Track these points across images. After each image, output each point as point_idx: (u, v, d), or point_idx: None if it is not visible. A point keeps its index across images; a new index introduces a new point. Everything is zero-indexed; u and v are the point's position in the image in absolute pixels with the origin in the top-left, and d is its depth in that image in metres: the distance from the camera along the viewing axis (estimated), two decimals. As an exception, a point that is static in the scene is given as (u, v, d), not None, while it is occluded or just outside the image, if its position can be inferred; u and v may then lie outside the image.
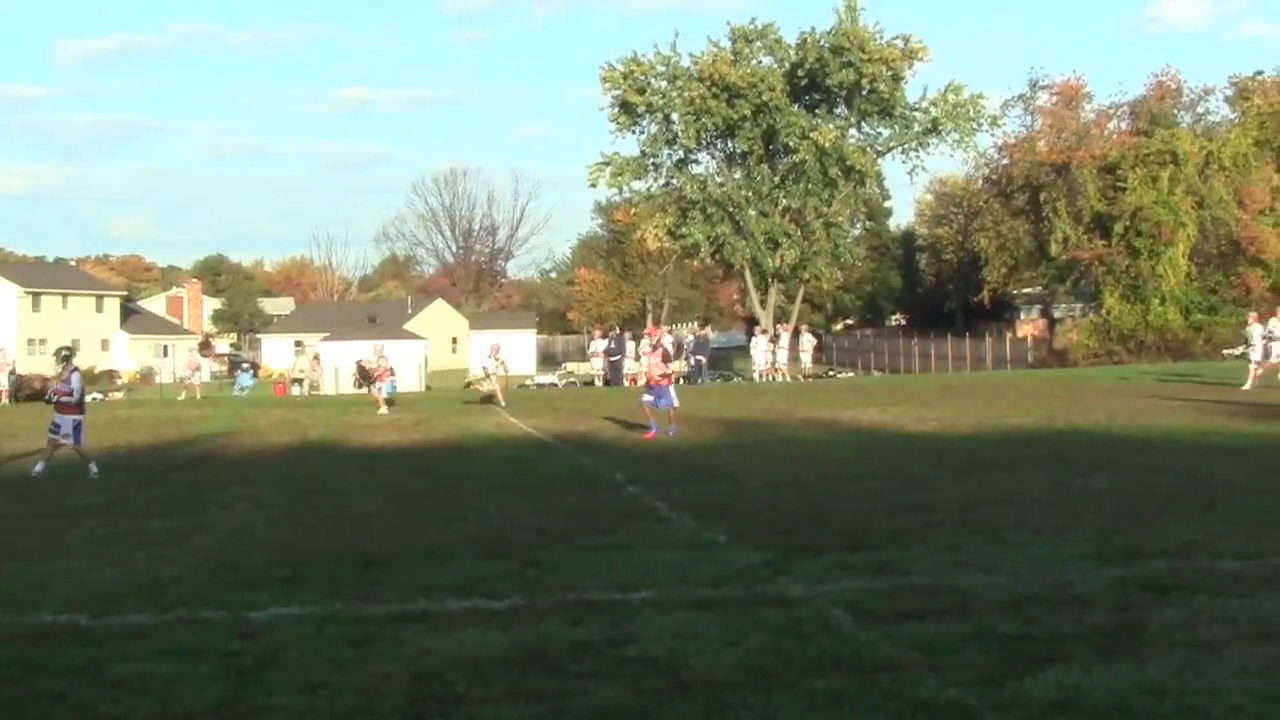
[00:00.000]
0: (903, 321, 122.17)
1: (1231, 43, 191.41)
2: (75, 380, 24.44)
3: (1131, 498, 16.67)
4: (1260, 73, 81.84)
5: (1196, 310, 74.06)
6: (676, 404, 29.06)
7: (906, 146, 79.39)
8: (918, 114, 78.54)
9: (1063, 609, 10.38)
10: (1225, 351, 45.99)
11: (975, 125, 78.41)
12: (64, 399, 24.19)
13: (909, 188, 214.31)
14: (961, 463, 21.85)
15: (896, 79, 76.72)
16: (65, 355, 25.64)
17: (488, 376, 41.91)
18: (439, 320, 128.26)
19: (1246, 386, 38.10)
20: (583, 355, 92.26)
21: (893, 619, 10.18)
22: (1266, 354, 39.55)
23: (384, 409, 39.39)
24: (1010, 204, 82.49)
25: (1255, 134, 77.23)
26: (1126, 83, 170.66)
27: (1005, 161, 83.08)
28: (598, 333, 66.80)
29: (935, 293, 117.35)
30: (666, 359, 30.71)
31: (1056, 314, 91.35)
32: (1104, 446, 24.01)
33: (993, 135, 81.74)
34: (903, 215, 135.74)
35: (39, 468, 23.46)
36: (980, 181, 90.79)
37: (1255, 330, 40.57)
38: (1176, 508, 15.66)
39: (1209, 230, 74.38)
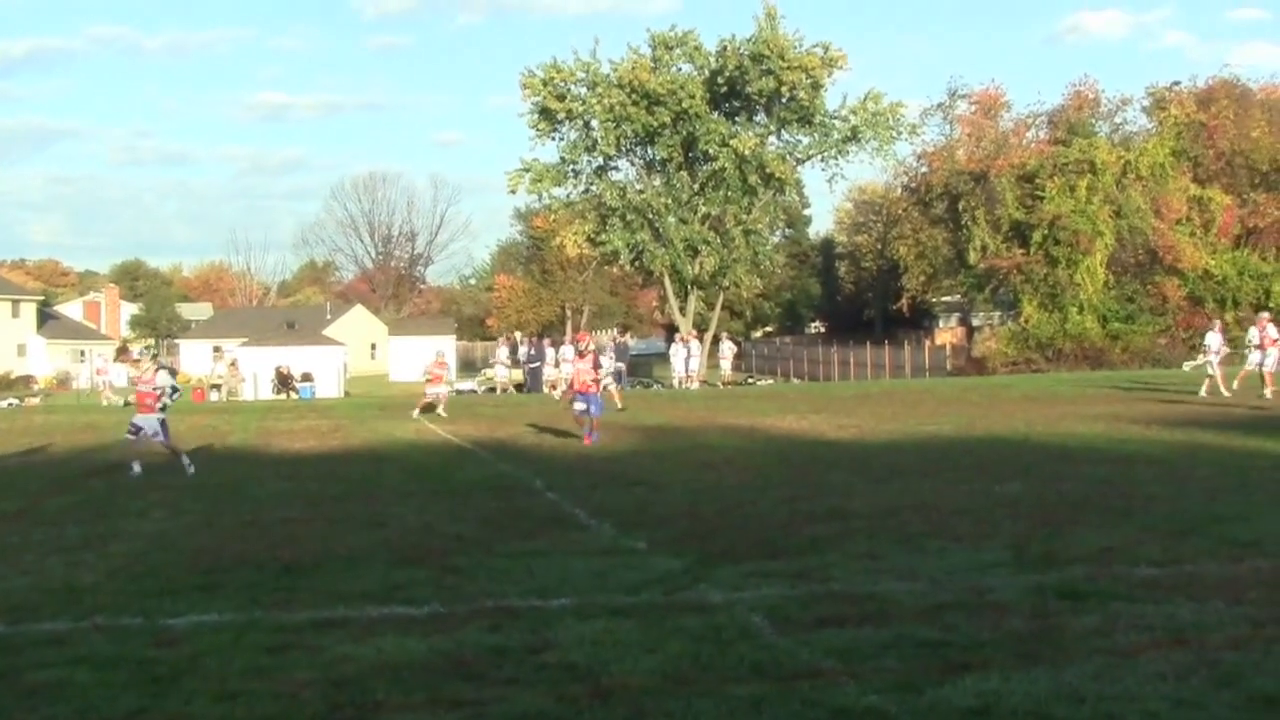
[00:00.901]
0: (822, 329, 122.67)
1: (1149, 54, 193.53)
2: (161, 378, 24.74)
3: (1049, 505, 16.75)
4: (1177, 83, 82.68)
5: (1114, 319, 74.63)
6: (597, 411, 29.03)
7: (826, 154, 79.71)
8: (837, 122, 78.85)
9: (981, 616, 10.41)
10: (1186, 364, 46.23)
11: (894, 133, 78.81)
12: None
13: (828, 196, 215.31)
14: (880, 470, 21.92)
15: (816, 87, 77.00)
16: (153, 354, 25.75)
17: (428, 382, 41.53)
18: (358, 326, 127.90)
19: (1203, 393, 38.40)
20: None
21: (811, 626, 10.18)
22: (1261, 361, 39.48)
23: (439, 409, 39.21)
24: (929, 212, 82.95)
25: (1172, 144, 77.92)
26: (1045, 92, 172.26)
27: (924, 170, 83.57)
28: (503, 341, 66.86)
29: (854, 300, 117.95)
30: (597, 365, 30.66)
31: (975, 322, 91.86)
32: (1022, 454, 24.14)
33: (912, 144, 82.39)
34: (822, 223, 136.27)
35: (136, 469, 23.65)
36: (899, 190, 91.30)
37: (1213, 339, 40.84)
38: (1093, 515, 15.75)
39: (1126, 239, 75.01)
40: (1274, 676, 8.45)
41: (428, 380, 39.97)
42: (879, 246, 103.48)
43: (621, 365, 59.46)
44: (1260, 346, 39.08)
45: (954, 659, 9.09)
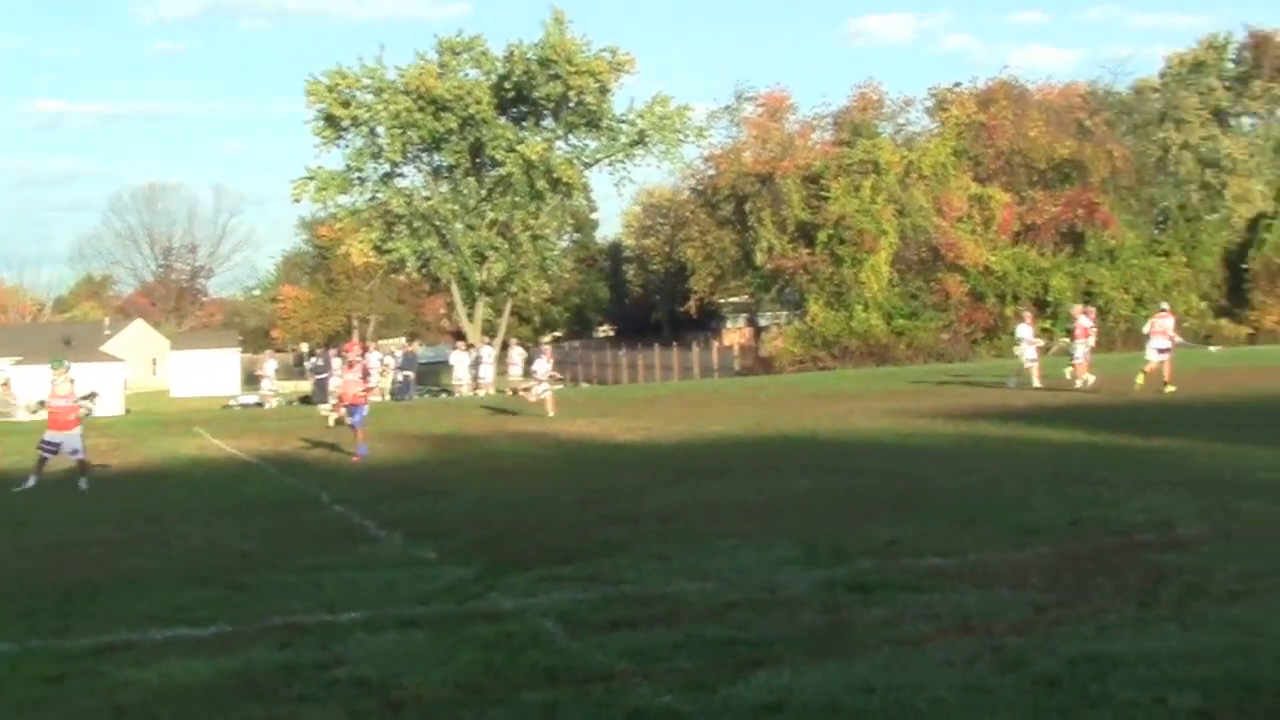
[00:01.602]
0: (611, 332, 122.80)
1: (933, 56, 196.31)
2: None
3: (837, 500, 16.94)
4: (958, 84, 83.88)
5: (898, 315, 75.55)
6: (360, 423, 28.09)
7: (613, 158, 79.89)
8: (625, 126, 79.04)
9: (772, 612, 10.48)
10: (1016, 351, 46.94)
11: (681, 137, 79.17)
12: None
13: (616, 199, 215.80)
14: (670, 471, 22.00)
15: (603, 91, 77.13)
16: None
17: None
18: (139, 341, 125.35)
19: (1037, 384, 39.05)
20: (290, 373, 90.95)
21: (604, 629, 10.17)
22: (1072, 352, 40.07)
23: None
24: (716, 214, 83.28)
25: (953, 144, 79.15)
26: (830, 95, 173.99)
27: (711, 172, 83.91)
28: (269, 355, 66.17)
29: (642, 303, 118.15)
30: (366, 375, 30.18)
31: (762, 322, 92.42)
32: (810, 451, 24.38)
33: (699, 146, 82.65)
34: (610, 227, 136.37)
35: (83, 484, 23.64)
36: (687, 192, 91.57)
37: (1024, 331, 41.61)
38: (881, 508, 15.95)
39: (910, 237, 75.99)
40: (1056, 659, 8.60)
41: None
42: (667, 249, 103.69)
43: (410, 373, 59.07)
44: (1073, 337, 39.94)
45: (746, 656, 9.13)
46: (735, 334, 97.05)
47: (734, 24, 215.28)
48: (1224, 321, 78.04)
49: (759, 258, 77.69)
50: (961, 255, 75.64)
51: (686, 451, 25.74)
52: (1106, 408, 31.57)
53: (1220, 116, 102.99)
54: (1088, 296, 73.90)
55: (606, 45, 77.72)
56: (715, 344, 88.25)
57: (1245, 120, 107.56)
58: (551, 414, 36.77)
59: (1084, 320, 39.74)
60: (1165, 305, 42.74)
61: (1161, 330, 37.32)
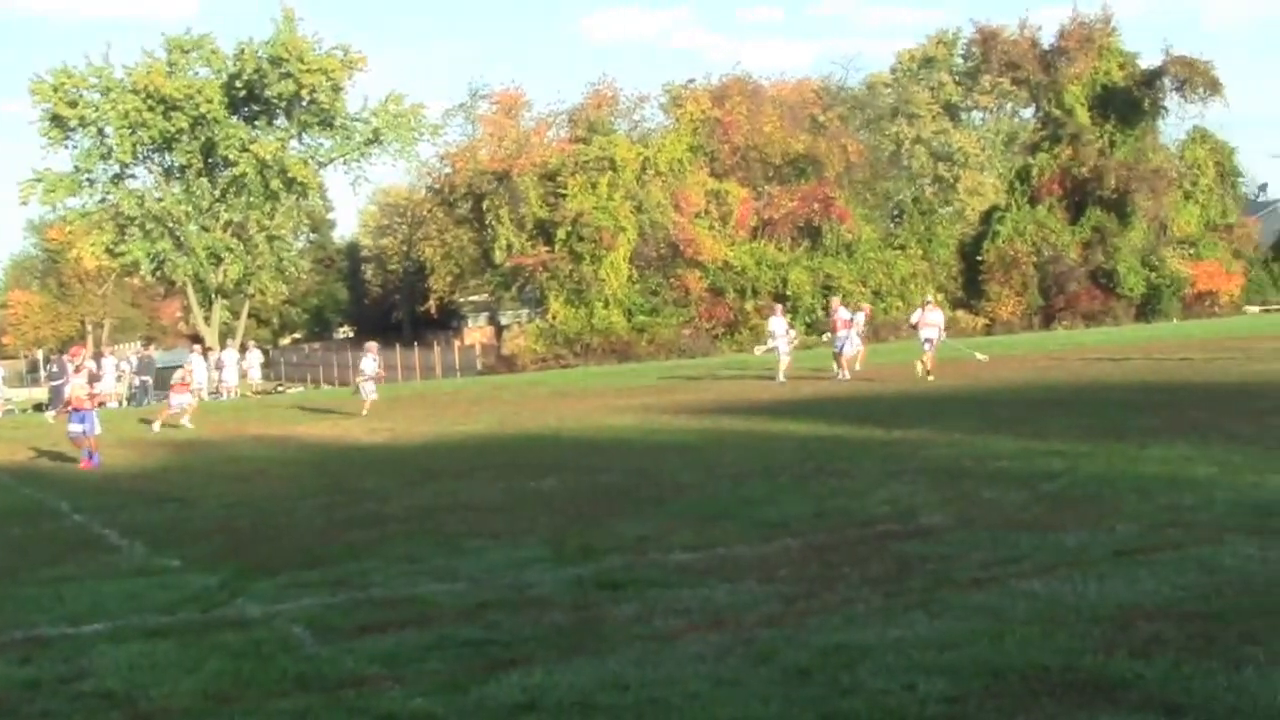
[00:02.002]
0: (350, 333, 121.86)
1: (668, 52, 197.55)
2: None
3: (584, 498, 16.99)
4: (693, 81, 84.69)
5: (639, 312, 76.00)
6: (98, 430, 27.38)
7: (348, 157, 79.34)
8: (359, 124, 78.58)
9: (522, 611, 10.46)
10: (756, 349, 47.49)
11: (417, 135, 78.99)
12: None
13: (353, 199, 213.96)
14: (415, 472, 21.89)
15: (336, 89, 76.59)
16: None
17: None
18: None
19: (781, 379, 39.40)
20: (22, 380, 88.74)
21: (354, 633, 10.07)
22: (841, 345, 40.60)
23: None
24: (454, 213, 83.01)
25: (689, 140, 79.84)
26: (565, 92, 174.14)
27: (448, 171, 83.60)
28: None
29: (382, 303, 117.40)
30: (93, 381, 29.42)
31: (503, 320, 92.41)
32: (555, 449, 24.44)
33: (434, 145, 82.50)
34: (347, 227, 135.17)
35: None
36: (424, 191, 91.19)
37: (777, 324, 42.07)
38: (628, 505, 16.03)
39: (648, 234, 76.45)
40: (807, 650, 8.70)
41: (173, 387, 38.19)
42: (405, 249, 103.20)
43: (147, 379, 57.95)
44: (834, 329, 40.55)
45: (498, 656, 9.11)
46: (476, 333, 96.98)
47: (467, 21, 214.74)
48: (960, 313, 79.82)
49: (498, 256, 77.62)
50: (700, 251, 76.32)
51: (431, 452, 25.63)
52: (849, 400, 32.10)
53: (951, 111, 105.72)
54: (826, 290, 75.29)
55: (338, 43, 77.31)
56: (457, 343, 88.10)
57: (976, 115, 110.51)
58: (364, 413, 36.74)
59: (844, 313, 40.48)
60: (930, 298, 44.06)
61: (931, 323, 38.65)
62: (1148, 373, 34.53)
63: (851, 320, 40.61)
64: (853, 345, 41.07)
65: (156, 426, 36.14)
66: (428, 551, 13.55)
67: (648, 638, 9.36)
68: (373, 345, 41.96)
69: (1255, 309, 54.74)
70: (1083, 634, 8.70)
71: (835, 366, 39.60)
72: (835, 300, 44.83)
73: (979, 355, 44.78)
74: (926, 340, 38.08)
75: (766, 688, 7.98)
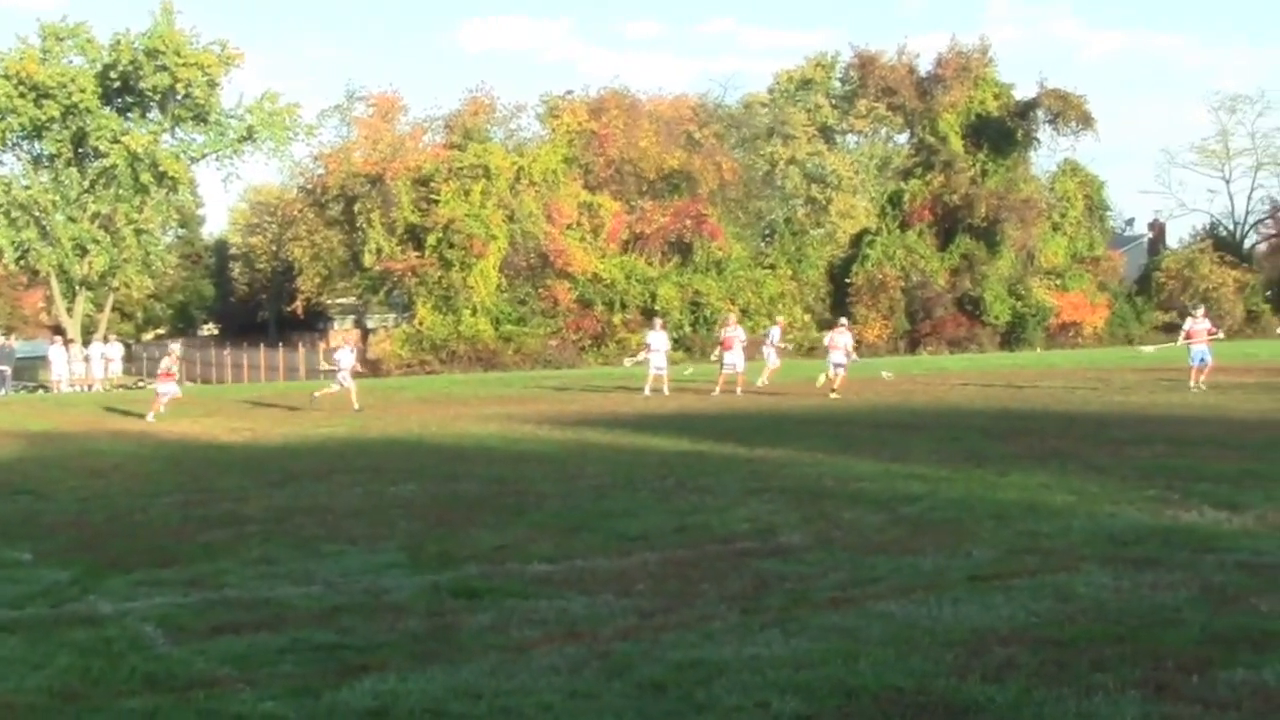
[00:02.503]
0: (215, 331, 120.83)
1: (546, 63, 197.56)
2: None
3: (444, 505, 16.91)
4: (570, 92, 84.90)
5: (507, 321, 75.92)
6: None
7: (221, 153, 78.66)
8: (233, 121, 77.95)
9: (377, 617, 10.39)
10: (626, 360, 47.84)
11: (291, 134, 78.46)
12: None
13: (224, 196, 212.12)
14: (274, 473, 21.69)
15: (212, 85, 75.96)
16: None
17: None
18: None
19: (647, 391, 39.63)
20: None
21: (206, 634, 9.95)
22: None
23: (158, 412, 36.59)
24: (325, 214, 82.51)
25: (564, 151, 79.95)
26: (443, 98, 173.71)
27: (321, 171, 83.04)
28: None
29: (249, 302, 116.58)
30: None
31: (370, 324, 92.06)
32: (417, 455, 24.32)
33: (309, 145, 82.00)
34: (216, 223, 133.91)
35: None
36: (295, 191, 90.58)
37: (655, 338, 42.43)
38: (488, 514, 15.96)
39: (519, 243, 76.45)
40: (661, 665, 8.69)
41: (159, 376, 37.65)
42: (274, 248, 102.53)
43: (6, 369, 57.15)
44: (726, 346, 40.87)
45: (351, 661, 9.03)
46: (343, 335, 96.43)
47: (346, 23, 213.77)
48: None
49: (367, 259, 77.27)
50: (570, 262, 76.46)
51: (291, 454, 25.42)
52: (713, 416, 32.24)
53: (827, 133, 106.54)
54: (695, 307, 75.65)
55: (216, 39, 76.59)
56: (322, 345, 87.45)
57: (850, 138, 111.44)
58: (357, 407, 36.97)
59: (741, 333, 41.04)
60: (844, 321, 44.89)
61: (840, 345, 39.79)
62: (1010, 400, 34.92)
63: (733, 339, 40.98)
64: (771, 360, 44.05)
65: (151, 417, 35.94)
66: (284, 554, 13.42)
67: (502, 647, 9.32)
68: (352, 335, 41.87)
69: (1151, 349, 55.79)
70: (936, 657, 8.76)
71: (717, 384, 40.02)
72: (731, 317, 45.36)
73: (885, 373, 45.55)
74: (837, 365, 39.40)
75: (620, 701, 7.96)
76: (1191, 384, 36.84)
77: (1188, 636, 9.12)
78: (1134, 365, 52.66)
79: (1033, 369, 53.84)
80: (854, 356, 41.41)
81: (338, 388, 38.19)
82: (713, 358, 41.78)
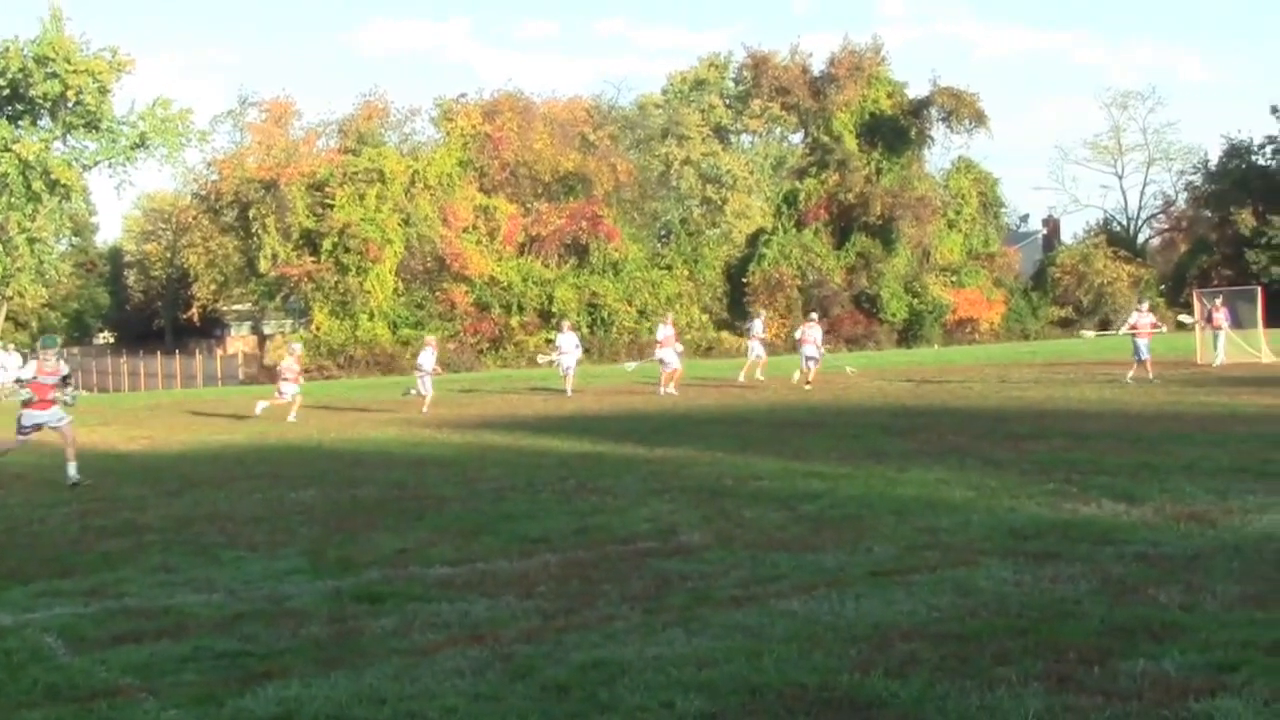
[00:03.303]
0: (111, 339, 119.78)
1: (443, 66, 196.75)
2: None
3: (344, 510, 16.85)
4: (464, 96, 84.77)
5: (404, 325, 75.80)
6: None
7: (114, 161, 77.87)
8: (125, 128, 77.13)
9: (279, 623, 10.34)
10: (540, 358, 47.94)
11: (184, 140, 77.70)
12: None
13: (117, 203, 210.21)
14: (173, 481, 21.52)
15: (103, 91, 75.10)
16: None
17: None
18: None
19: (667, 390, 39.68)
20: None
21: (107, 644, 9.87)
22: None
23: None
24: (220, 220, 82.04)
25: (459, 154, 79.92)
26: (338, 102, 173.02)
27: (215, 178, 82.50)
28: None
29: (144, 310, 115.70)
30: None
31: (267, 330, 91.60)
32: (316, 460, 24.21)
33: (202, 151, 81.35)
34: (110, 231, 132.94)
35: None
36: (189, 198, 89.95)
37: (567, 339, 42.50)
38: (388, 518, 15.92)
39: (415, 247, 76.35)
40: (565, 666, 8.70)
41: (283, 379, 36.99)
42: (169, 255, 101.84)
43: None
44: (663, 344, 41.00)
45: (254, 668, 8.99)
46: (240, 342, 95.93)
47: (239, 28, 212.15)
48: (724, 334, 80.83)
49: (263, 265, 76.91)
50: (467, 266, 76.48)
51: (190, 461, 25.24)
52: (613, 417, 32.26)
53: (721, 134, 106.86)
54: (592, 309, 75.76)
55: (106, 45, 75.75)
56: (219, 352, 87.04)
57: (745, 138, 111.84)
58: (425, 410, 36.73)
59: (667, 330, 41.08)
60: (814, 315, 45.79)
61: (811, 339, 41.50)
62: (908, 397, 35.16)
63: (670, 338, 41.19)
64: (753, 352, 45.34)
65: (293, 417, 35.87)
66: (184, 562, 13.34)
67: (405, 651, 9.31)
68: (431, 339, 41.64)
69: (1091, 333, 56.73)
70: (839, 653, 8.81)
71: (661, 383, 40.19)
72: (669, 316, 45.80)
73: (849, 368, 46.23)
74: (809, 358, 41.29)
75: (524, 703, 7.97)
76: (1130, 376, 37.13)
77: (1088, 628, 9.23)
78: (1030, 361, 53.14)
79: (930, 366, 54.20)
80: (823, 350, 43.08)
81: (418, 392, 38.00)
82: (655, 357, 41.92)
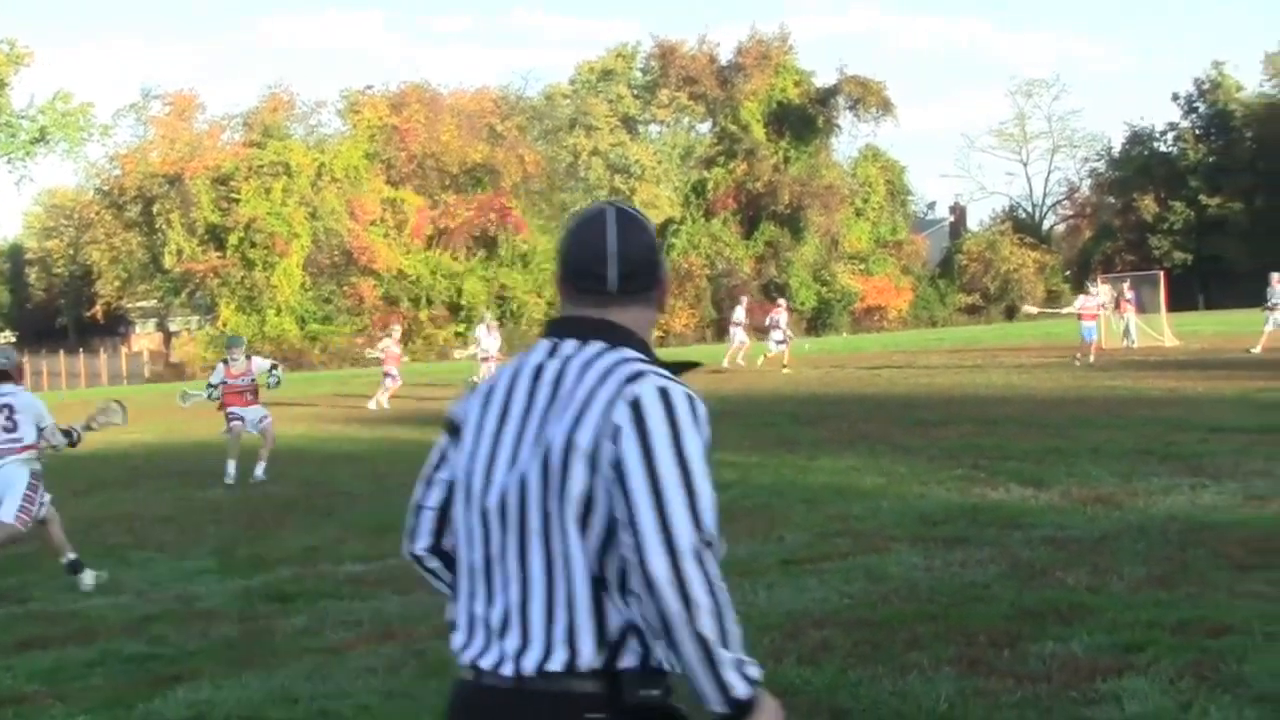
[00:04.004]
0: (13, 338, 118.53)
1: (354, 58, 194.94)
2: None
3: (254, 508, 16.76)
4: (370, 87, 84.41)
5: (312, 320, 75.47)
6: None
7: (13, 156, 77.11)
8: (24, 122, 76.43)
9: (189, 625, 10.27)
10: (456, 353, 47.96)
11: (85, 135, 77.08)
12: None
13: (16, 199, 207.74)
14: (80, 482, 21.29)
15: (1, 85, 74.38)
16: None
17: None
18: None
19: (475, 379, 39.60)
20: None
21: (13, 649, 9.78)
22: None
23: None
24: (123, 216, 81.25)
25: (366, 147, 79.61)
26: (244, 95, 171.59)
27: (117, 172, 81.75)
28: None
29: (46, 308, 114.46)
30: None
31: (173, 326, 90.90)
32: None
33: (104, 145, 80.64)
34: (10, 228, 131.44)
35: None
36: (92, 193, 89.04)
37: (483, 333, 42.62)
38: (298, 516, 15.85)
39: (322, 241, 76.01)
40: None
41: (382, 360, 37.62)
42: (71, 252, 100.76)
43: None
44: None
45: (164, 671, 8.92)
46: (145, 339, 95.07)
47: (141, 20, 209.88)
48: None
49: (168, 261, 76.29)
50: (375, 259, 76.23)
51: (98, 460, 24.96)
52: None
53: (629, 124, 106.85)
54: (501, 301, 75.68)
55: (4, 37, 75.04)
56: (124, 350, 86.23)
57: (653, 128, 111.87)
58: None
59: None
60: (782, 301, 46.45)
61: (780, 325, 43.47)
62: (818, 385, 35.28)
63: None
64: (735, 339, 45.89)
65: (376, 404, 36.10)
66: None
67: (318, 650, 9.27)
68: (492, 320, 41.78)
69: (1033, 309, 57.52)
70: (752, 641, 8.74)
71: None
72: (781, 302, 46.72)
73: (806, 345, 47.03)
74: (779, 341, 43.38)
75: (439, 700, 7.85)
76: (1077, 360, 37.38)
77: (998, 612, 9.29)
78: (938, 347, 53.47)
79: (840, 353, 54.46)
80: (789, 332, 44.85)
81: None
82: None
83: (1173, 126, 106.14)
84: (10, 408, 12.18)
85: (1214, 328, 53.19)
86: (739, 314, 46.73)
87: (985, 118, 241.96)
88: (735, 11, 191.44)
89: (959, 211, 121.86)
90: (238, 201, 74.18)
